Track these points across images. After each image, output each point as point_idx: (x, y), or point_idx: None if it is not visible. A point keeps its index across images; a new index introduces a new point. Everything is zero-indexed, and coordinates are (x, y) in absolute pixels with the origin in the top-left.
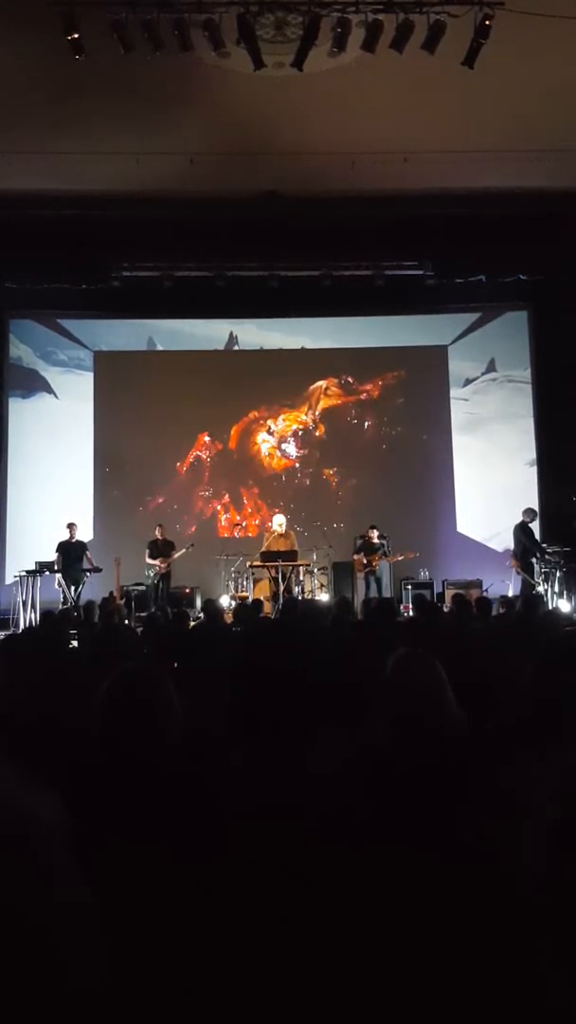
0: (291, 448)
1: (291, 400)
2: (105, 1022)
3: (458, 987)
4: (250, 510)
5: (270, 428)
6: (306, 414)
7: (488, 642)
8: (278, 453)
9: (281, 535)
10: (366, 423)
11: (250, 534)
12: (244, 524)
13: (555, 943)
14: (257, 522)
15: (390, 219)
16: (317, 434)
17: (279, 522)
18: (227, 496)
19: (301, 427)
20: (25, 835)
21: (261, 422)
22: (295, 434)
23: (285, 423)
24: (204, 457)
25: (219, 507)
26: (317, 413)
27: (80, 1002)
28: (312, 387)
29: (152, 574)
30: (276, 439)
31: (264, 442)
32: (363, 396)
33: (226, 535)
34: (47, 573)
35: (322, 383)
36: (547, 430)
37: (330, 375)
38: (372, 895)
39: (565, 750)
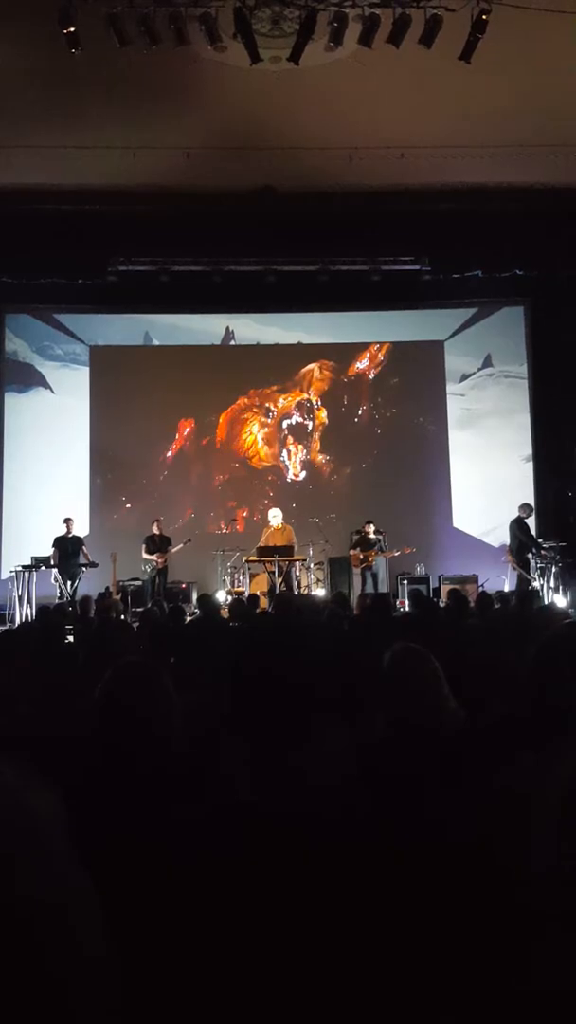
0: (294, 420)
1: (284, 386)
2: (105, 1021)
3: (457, 983)
4: (234, 504)
5: (269, 410)
6: (304, 392)
7: (484, 637)
8: (279, 442)
9: (278, 529)
10: (360, 409)
11: (238, 529)
12: (234, 519)
13: (556, 940)
14: (245, 514)
15: (387, 214)
16: (317, 414)
17: (274, 514)
18: (222, 491)
19: (303, 399)
20: (20, 829)
21: (253, 410)
22: (299, 406)
23: (285, 401)
24: (198, 450)
25: (211, 502)
26: (312, 396)
27: (78, 1001)
28: (303, 370)
29: (149, 569)
30: (277, 416)
31: (263, 426)
32: (355, 373)
33: (224, 530)
34: (43, 568)
35: (313, 366)
36: (543, 425)
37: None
38: (371, 893)
39: (565, 747)
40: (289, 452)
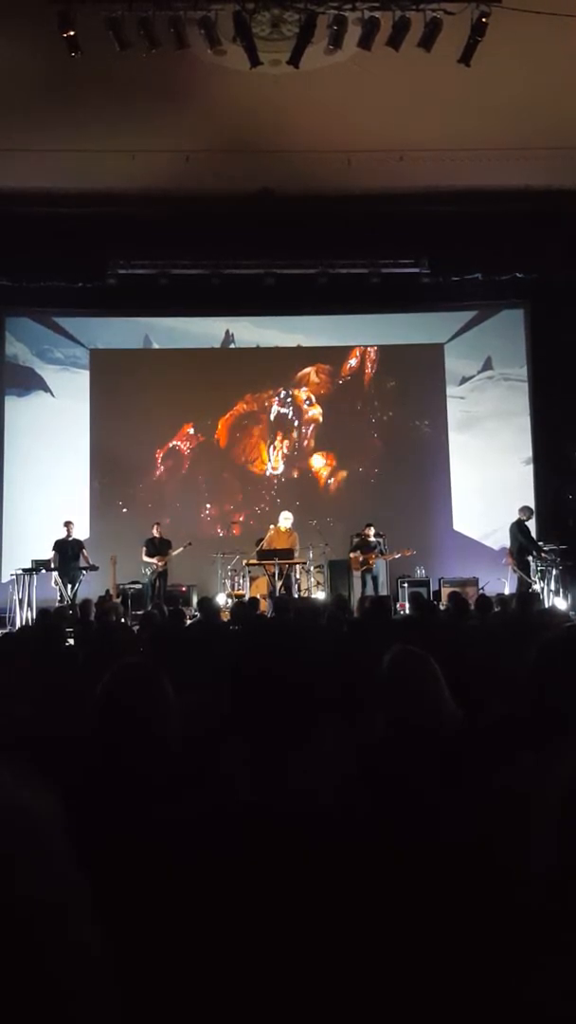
0: (279, 412)
1: (282, 389)
2: (104, 1021)
3: (457, 983)
4: (231, 507)
5: (268, 408)
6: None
7: (484, 640)
8: (268, 436)
9: (283, 532)
10: (359, 411)
11: (234, 532)
12: (234, 522)
13: (556, 940)
14: (243, 518)
15: (386, 217)
16: (306, 410)
17: (285, 516)
18: (219, 492)
19: (295, 394)
20: (20, 829)
21: (253, 413)
22: (284, 401)
23: (280, 400)
24: (198, 453)
25: (210, 505)
26: (312, 397)
27: (77, 1001)
28: (301, 373)
29: (149, 572)
30: (269, 412)
31: (262, 428)
32: (350, 373)
33: (221, 533)
34: (43, 571)
35: (310, 369)
36: (543, 428)
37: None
38: (371, 893)
39: (565, 747)
40: (274, 446)
